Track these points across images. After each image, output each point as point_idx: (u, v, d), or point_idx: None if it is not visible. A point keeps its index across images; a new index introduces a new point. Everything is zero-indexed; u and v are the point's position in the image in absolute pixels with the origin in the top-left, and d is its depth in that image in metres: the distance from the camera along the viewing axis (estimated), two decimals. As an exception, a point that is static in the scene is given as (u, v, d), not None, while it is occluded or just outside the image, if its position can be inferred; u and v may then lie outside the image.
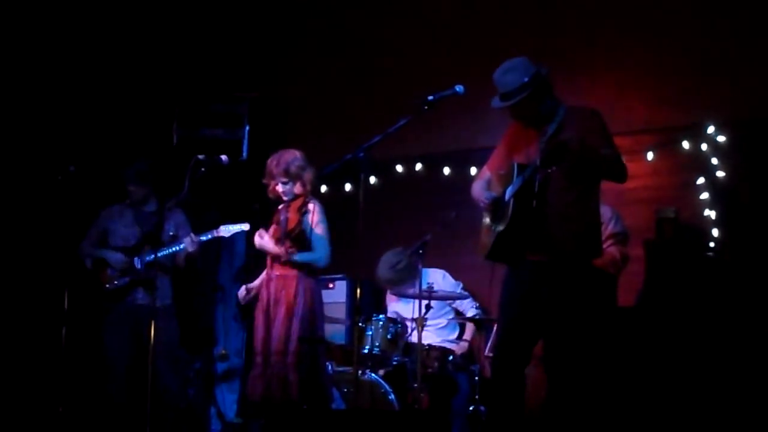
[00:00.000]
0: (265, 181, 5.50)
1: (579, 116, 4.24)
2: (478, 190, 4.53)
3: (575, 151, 4.06)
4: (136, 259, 5.86)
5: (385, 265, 6.11)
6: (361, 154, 4.41)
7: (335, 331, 6.75)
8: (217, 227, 5.69)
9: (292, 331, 5.28)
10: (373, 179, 7.26)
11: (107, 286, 5.86)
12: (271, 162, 5.50)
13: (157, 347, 5.48)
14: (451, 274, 6.65)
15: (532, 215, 4.15)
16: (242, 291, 5.68)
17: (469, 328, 6.57)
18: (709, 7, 6.08)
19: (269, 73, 7.54)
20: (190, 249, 5.70)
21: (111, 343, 5.80)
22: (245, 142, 6.50)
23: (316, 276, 5.50)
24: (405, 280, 6.17)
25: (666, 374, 5.48)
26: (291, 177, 5.42)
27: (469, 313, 6.50)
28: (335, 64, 7.43)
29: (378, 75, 7.25)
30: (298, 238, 5.36)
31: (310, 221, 5.39)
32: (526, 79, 4.16)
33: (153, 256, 5.68)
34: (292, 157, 5.47)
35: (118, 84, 7.01)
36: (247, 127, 6.53)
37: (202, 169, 5.42)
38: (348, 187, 7.44)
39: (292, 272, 5.39)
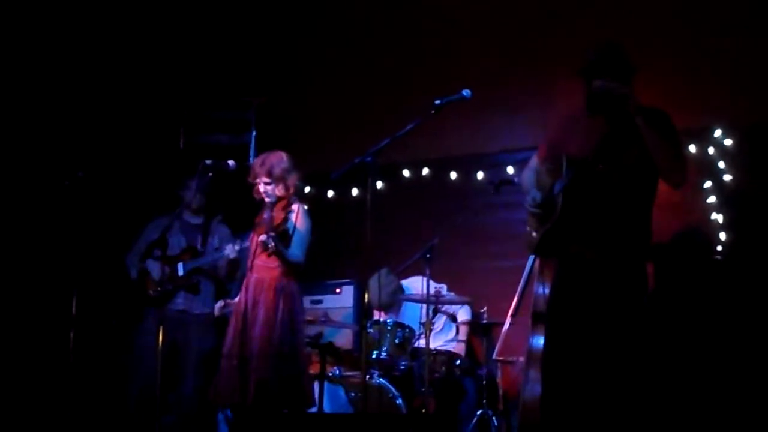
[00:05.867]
0: (249, 179, 5.46)
1: (649, 116, 4.10)
2: (526, 182, 4.44)
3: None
4: (179, 265, 5.99)
5: (375, 289, 6.10)
6: (369, 159, 4.37)
7: (342, 336, 6.79)
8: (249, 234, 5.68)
9: (273, 333, 5.22)
10: (380, 184, 7.21)
11: (151, 292, 6.00)
12: (257, 162, 5.49)
13: (188, 353, 5.92)
14: (456, 278, 6.66)
15: (581, 212, 4.08)
16: (220, 303, 5.73)
17: (463, 328, 6.59)
18: (716, 10, 6.08)
19: (276, 78, 7.51)
20: (232, 255, 5.73)
21: (143, 343, 5.88)
22: (252, 147, 6.47)
23: (297, 279, 5.45)
24: (395, 302, 6.29)
25: (672, 377, 5.50)
26: (274, 178, 5.39)
27: (462, 315, 6.56)
28: (342, 68, 7.42)
29: (386, 79, 7.23)
30: (283, 235, 5.31)
31: (293, 220, 5.36)
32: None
33: (195, 263, 5.92)
34: (278, 159, 5.45)
35: (125, 89, 7.01)
36: (254, 133, 6.51)
37: (209, 174, 5.41)
38: (355, 191, 7.41)
39: (271, 275, 5.34)
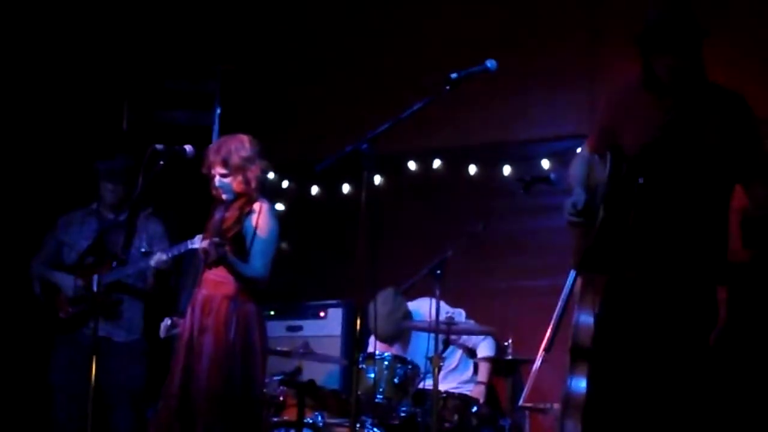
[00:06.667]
0: (203, 171, 5.07)
1: (724, 101, 3.73)
2: (574, 176, 4.03)
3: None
4: (95, 278, 5.46)
5: (380, 315, 5.67)
6: (365, 146, 3.91)
7: (327, 373, 6.39)
8: (192, 237, 5.24)
9: (222, 368, 4.82)
10: (378, 178, 6.68)
11: (61, 314, 5.67)
12: (211, 148, 5.13)
13: (113, 390, 5.53)
14: (474, 302, 6.29)
15: (627, 226, 3.73)
16: (166, 322, 5.27)
17: (483, 366, 6.21)
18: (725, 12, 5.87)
19: (249, 41, 7.15)
20: (156, 265, 5.36)
21: (58, 382, 5.58)
22: (216, 128, 6.12)
23: (257, 299, 5.07)
24: (403, 332, 5.97)
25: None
26: (231, 169, 4.98)
27: (483, 350, 6.16)
28: (335, 31, 7.06)
29: (389, 47, 6.90)
30: (235, 242, 4.91)
31: (253, 223, 4.96)
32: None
33: (115, 275, 5.55)
34: (238, 144, 5.02)
35: (56, 55, 6.60)
36: (219, 110, 6.16)
37: (161, 162, 4.92)
38: (346, 188, 7.04)
39: (223, 293, 4.94)
